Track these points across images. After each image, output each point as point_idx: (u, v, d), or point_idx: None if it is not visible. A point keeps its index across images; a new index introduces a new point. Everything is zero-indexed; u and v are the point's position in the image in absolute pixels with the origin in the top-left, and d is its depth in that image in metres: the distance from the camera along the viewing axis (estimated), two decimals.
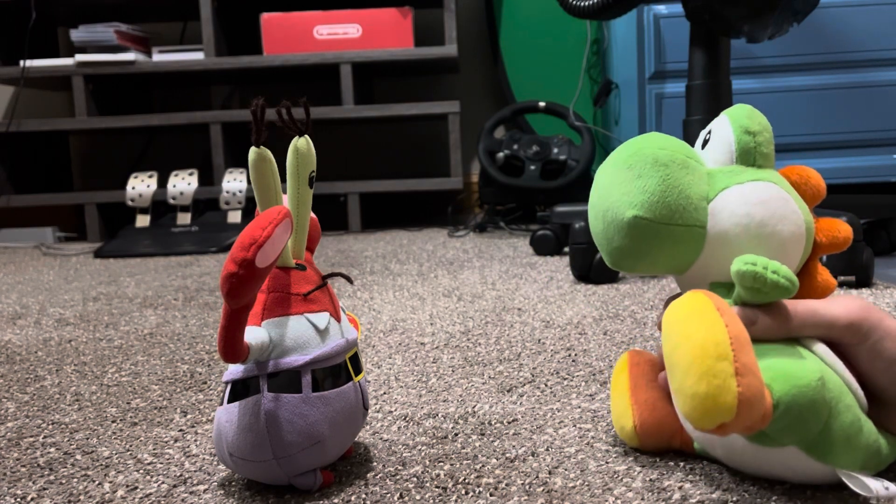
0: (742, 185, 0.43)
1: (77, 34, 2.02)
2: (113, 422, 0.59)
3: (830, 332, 0.40)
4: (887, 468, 0.44)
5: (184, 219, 1.90)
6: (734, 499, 0.41)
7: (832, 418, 0.39)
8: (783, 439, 0.39)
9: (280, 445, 0.42)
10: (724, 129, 0.45)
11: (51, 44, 2.34)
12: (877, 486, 0.39)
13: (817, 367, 0.39)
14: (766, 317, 0.40)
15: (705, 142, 0.46)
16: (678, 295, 0.44)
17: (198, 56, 2.05)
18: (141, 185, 1.95)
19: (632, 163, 0.43)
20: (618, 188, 0.43)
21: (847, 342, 0.40)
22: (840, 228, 0.45)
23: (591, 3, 1.28)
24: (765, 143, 0.44)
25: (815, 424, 0.38)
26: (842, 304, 0.41)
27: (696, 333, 0.36)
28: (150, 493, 0.46)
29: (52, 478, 0.49)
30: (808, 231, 0.43)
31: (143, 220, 1.92)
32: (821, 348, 0.41)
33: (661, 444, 0.48)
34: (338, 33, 2.05)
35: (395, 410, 0.59)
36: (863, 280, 1.01)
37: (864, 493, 0.39)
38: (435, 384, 0.66)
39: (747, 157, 0.44)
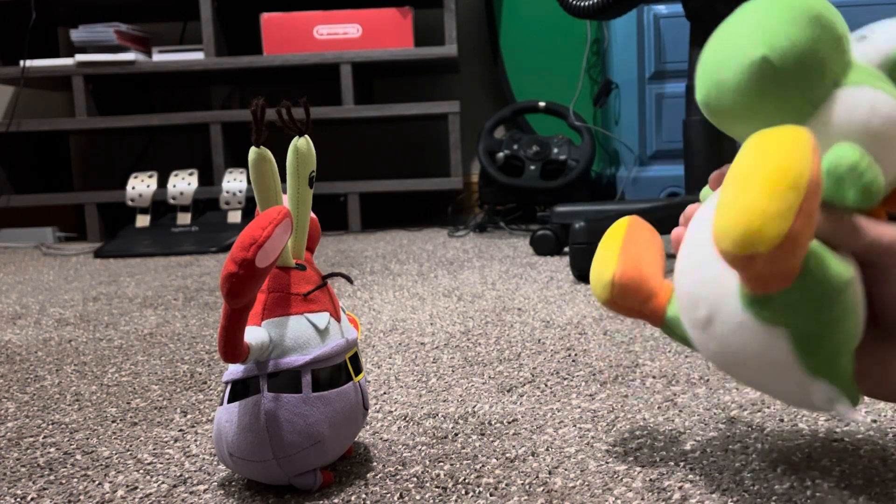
0: (876, 90, 0.38)
1: (77, 34, 2.02)
2: (113, 422, 0.59)
3: (879, 246, 0.37)
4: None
5: (184, 219, 1.90)
6: (734, 499, 0.41)
7: (835, 320, 0.36)
8: (781, 316, 0.36)
9: (280, 445, 0.42)
10: (887, 39, 0.40)
11: (51, 44, 2.34)
12: (846, 410, 0.37)
13: (852, 272, 0.36)
14: (836, 220, 0.37)
15: (861, 38, 0.41)
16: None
17: (198, 56, 2.05)
18: (141, 185, 1.95)
19: (794, 4, 0.37)
20: (754, 19, 0.38)
21: (885, 266, 0.38)
22: None
23: (591, 3, 1.28)
24: None
25: (822, 310, 0.36)
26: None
27: (786, 156, 0.33)
28: (150, 493, 0.46)
29: (52, 478, 0.49)
30: None
31: (143, 220, 1.92)
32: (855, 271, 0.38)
33: (632, 305, 0.45)
34: (338, 33, 2.05)
35: (395, 410, 0.59)
36: None
37: (839, 413, 0.38)
38: (435, 384, 0.66)
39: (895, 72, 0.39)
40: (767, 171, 0.33)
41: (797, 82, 0.37)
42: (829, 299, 0.35)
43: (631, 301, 0.44)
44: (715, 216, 0.34)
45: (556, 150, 1.92)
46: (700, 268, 0.39)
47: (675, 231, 0.45)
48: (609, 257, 0.46)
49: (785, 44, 0.36)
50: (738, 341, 0.38)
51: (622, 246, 0.46)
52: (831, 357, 0.37)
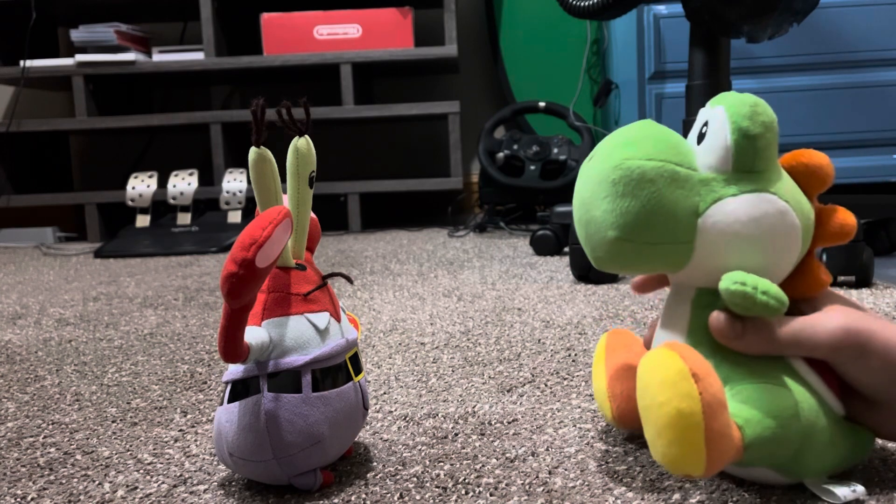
0: (736, 197, 0.40)
1: (77, 34, 2.02)
2: (113, 422, 0.59)
3: (814, 355, 0.40)
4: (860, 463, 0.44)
5: (184, 219, 1.90)
6: (734, 499, 0.41)
7: (804, 446, 0.39)
8: (754, 464, 0.40)
9: (280, 445, 0.42)
10: (721, 129, 0.40)
11: (51, 44, 2.34)
12: (844, 491, 0.40)
13: (792, 399, 0.39)
14: (753, 333, 0.40)
15: (701, 135, 0.42)
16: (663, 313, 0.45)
17: (198, 56, 2.05)
18: (141, 185, 1.95)
19: (615, 177, 0.40)
20: (600, 204, 0.41)
21: (831, 362, 0.40)
22: (844, 221, 0.43)
23: (591, 3, 1.28)
24: (766, 147, 0.40)
25: (786, 455, 0.39)
26: (828, 325, 0.39)
27: (670, 402, 0.36)
28: (150, 493, 0.46)
29: (52, 478, 0.49)
30: (807, 231, 0.41)
31: (143, 220, 1.92)
32: (800, 366, 0.41)
33: (640, 428, 0.48)
34: (338, 33, 2.05)
35: (395, 410, 0.59)
36: (862, 280, 1.01)
37: (834, 501, 0.40)
38: (435, 384, 0.66)
39: (745, 162, 0.40)
40: (664, 423, 0.36)
41: (657, 237, 0.40)
42: (783, 443, 0.39)
43: (637, 427, 0.48)
44: (650, 446, 0.38)
45: (556, 150, 1.93)
46: None
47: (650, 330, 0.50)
48: (602, 398, 0.50)
49: (629, 219, 0.40)
50: (733, 468, 0.43)
51: (608, 385, 0.50)
52: (819, 458, 0.40)
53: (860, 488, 0.40)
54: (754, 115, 0.40)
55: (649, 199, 0.39)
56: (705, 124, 0.41)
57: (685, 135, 1.32)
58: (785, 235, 0.40)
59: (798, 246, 0.41)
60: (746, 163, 0.40)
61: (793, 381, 0.40)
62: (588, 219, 0.42)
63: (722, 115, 0.40)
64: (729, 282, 0.39)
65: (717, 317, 0.40)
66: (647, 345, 0.50)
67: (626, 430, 0.50)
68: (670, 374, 0.36)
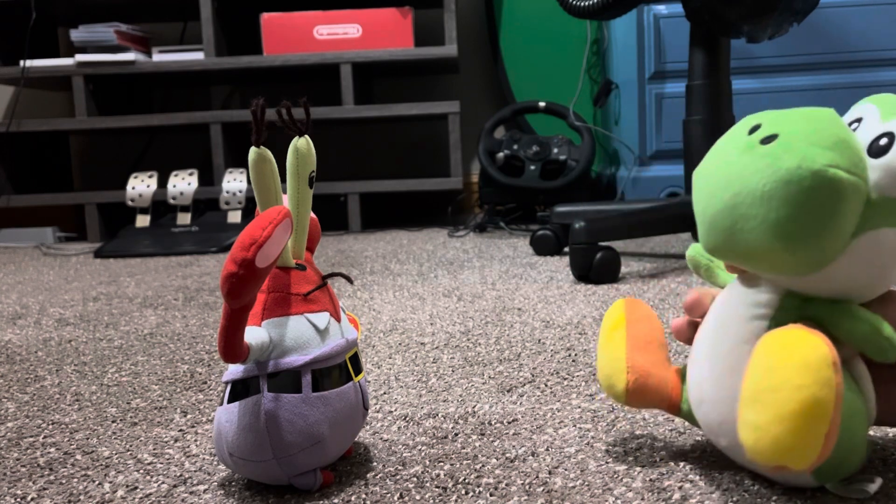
0: (893, 229, 0.37)
1: (77, 34, 2.02)
2: (113, 422, 0.59)
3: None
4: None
5: (184, 219, 1.90)
6: (734, 499, 0.41)
7: (845, 457, 0.39)
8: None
9: (280, 445, 0.42)
10: (872, 125, 0.37)
11: (51, 44, 2.34)
12: (872, 487, 0.40)
13: (860, 406, 0.38)
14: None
15: (879, 147, 0.37)
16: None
17: (198, 56, 2.05)
18: (141, 185, 1.95)
19: (813, 184, 0.35)
20: (774, 205, 0.35)
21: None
22: None
23: (591, 3, 1.28)
24: None
25: (856, 461, 0.39)
26: None
27: (809, 388, 0.33)
28: (150, 493, 0.46)
29: (52, 478, 0.49)
30: None
31: (143, 220, 1.92)
32: (861, 370, 0.40)
33: (647, 405, 0.47)
34: (338, 33, 2.05)
35: (395, 410, 0.59)
36: None
37: (863, 497, 0.40)
38: (435, 384, 0.66)
39: None
40: (794, 403, 0.33)
41: (815, 253, 0.36)
42: (848, 464, 0.39)
43: (646, 402, 0.47)
44: (745, 435, 0.35)
45: (556, 150, 1.93)
46: (722, 400, 0.41)
47: (675, 323, 0.48)
48: (617, 367, 0.47)
49: (806, 235, 0.36)
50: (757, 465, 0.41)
51: (627, 353, 0.47)
52: (848, 464, 0.40)
53: (878, 479, 0.40)
54: None
55: (835, 218, 0.35)
56: (885, 136, 0.37)
57: (685, 135, 1.31)
58: None
59: None
60: None
61: (852, 383, 0.39)
62: (741, 213, 0.36)
63: (868, 109, 0.38)
64: (866, 327, 0.37)
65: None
66: (684, 337, 0.46)
67: (632, 406, 0.47)
68: (815, 358, 0.33)
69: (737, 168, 0.37)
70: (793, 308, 0.39)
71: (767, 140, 0.36)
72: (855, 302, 0.39)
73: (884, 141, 0.36)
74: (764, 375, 0.35)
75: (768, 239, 0.36)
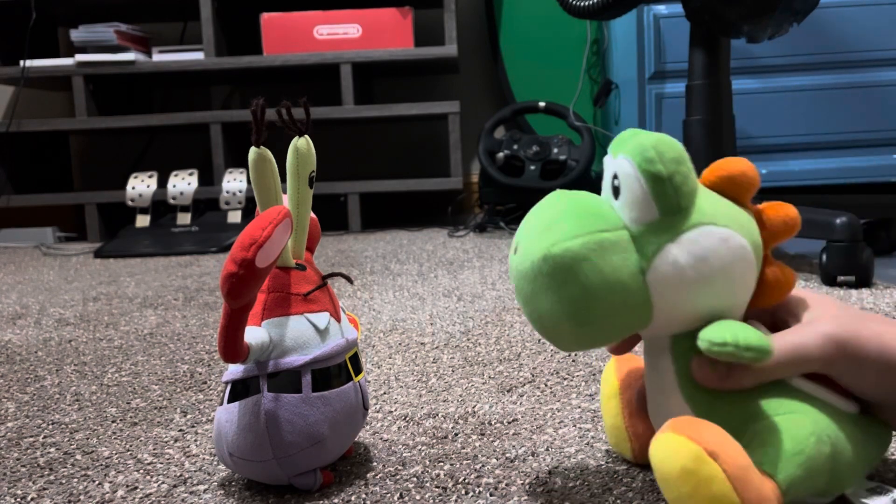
0: (674, 242, 0.38)
1: (77, 34, 2.02)
2: (113, 422, 0.59)
3: (808, 371, 0.39)
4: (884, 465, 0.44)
5: (184, 219, 1.90)
6: None
7: (835, 462, 0.38)
8: (797, 499, 0.38)
9: (280, 445, 0.42)
10: (633, 180, 0.38)
11: (51, 44, 2.34)
12: (883, 500, 0.39)
13: (807, 423, 0.38)
14: (739, 370, 0.38)
15: (615, 189, 0.39)
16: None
17: (198, 56, 2.05)
18: (141, 185, 1.95)
19: (546, 270, 0.38)
20: (543, 299, 0.39)
21: (827, 374, 0.39)
22: (786, 215, 0.41)
23: (591, 3, 1.28)
24: (684, 182, 0.38)
25: (822, 480, 0.38)
26: (816, 340, 0.38)
27: (699, 492, 0.34)
28: (150, 493, 0.46)
29: (52, 478, 0.49)
30: (755, 245, 0.39)
31: (143, 220, 1.92)
32: (801, 384, 0.40)
33: None
34: (338, 33, 2.05)
35: (395, 410, 0.59)
36: (862, 280, 1.01)
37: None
38: (435, 384, 0.66)
39: (669, 204, 0.38)
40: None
41: (613, 311, 0.39)
42: (817, 473, 0.38)
43: None
44: None
45: (556, 150, 1.92)
46: None
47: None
48: (620, 437, 0.47)
49: (578, 305, 0.38)
50: None
51: (626, 422, 0.47)
52: (851, 469, 0.39)
53: (894, 490, 0.40)
54: (660, 154, 0.37)
55: (588, 278, 0.38)
56: (615, 177, 0.39)
57: (685, 135, 1.31)
58: (738, 260, 0.38)
59: (753, 263, 0.39)
60: (671, 204, 0.38)
61: (799, 402, 0.39)
62: (538, 315, 0.40)
63: (628, 165, 0.38)
64: (708, 343, 0.37)
65: (698, 365, 0.39)
66: (641, 399, 0.47)
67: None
68: (688, 462, 0.35)
69: (520, 290, 0.41)
70: (686, 349, 0.40)
71: (514, 254, 0.41)
72: (734, 317, 0.39)
73: (616, 182, 0.39)
74: (665, 488, 0.36)
75: (560, 322, 0.39)
